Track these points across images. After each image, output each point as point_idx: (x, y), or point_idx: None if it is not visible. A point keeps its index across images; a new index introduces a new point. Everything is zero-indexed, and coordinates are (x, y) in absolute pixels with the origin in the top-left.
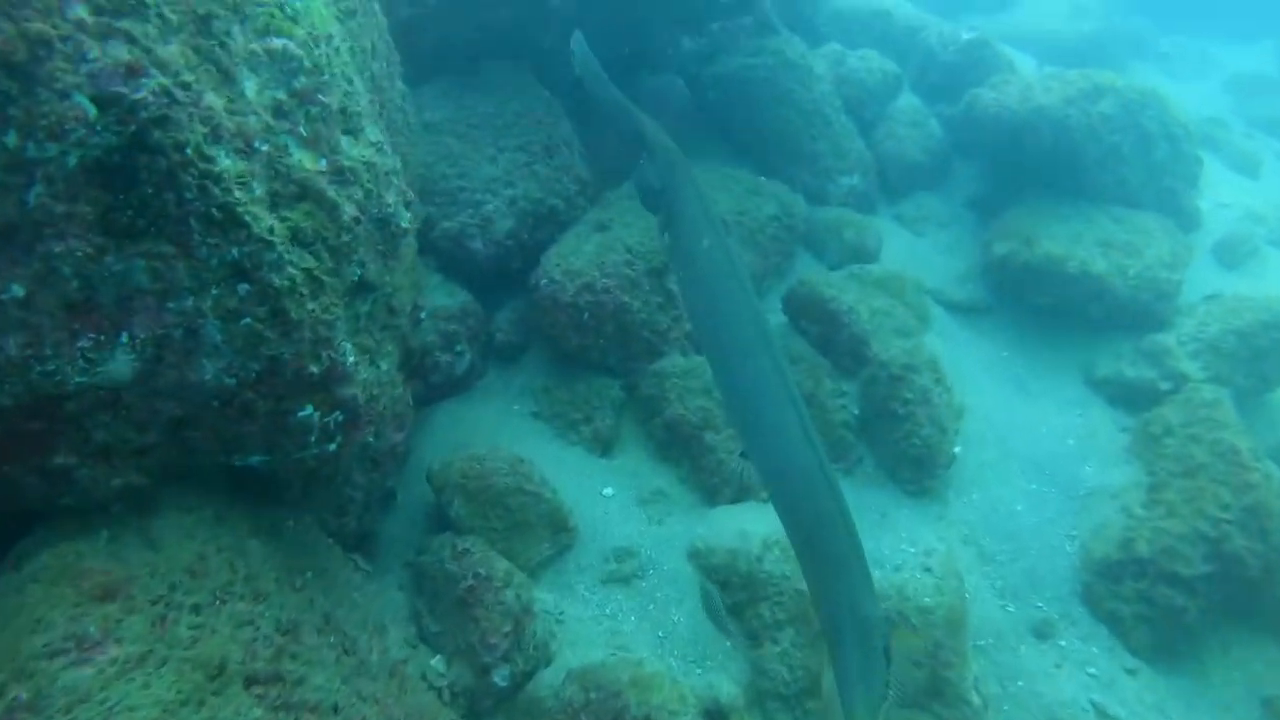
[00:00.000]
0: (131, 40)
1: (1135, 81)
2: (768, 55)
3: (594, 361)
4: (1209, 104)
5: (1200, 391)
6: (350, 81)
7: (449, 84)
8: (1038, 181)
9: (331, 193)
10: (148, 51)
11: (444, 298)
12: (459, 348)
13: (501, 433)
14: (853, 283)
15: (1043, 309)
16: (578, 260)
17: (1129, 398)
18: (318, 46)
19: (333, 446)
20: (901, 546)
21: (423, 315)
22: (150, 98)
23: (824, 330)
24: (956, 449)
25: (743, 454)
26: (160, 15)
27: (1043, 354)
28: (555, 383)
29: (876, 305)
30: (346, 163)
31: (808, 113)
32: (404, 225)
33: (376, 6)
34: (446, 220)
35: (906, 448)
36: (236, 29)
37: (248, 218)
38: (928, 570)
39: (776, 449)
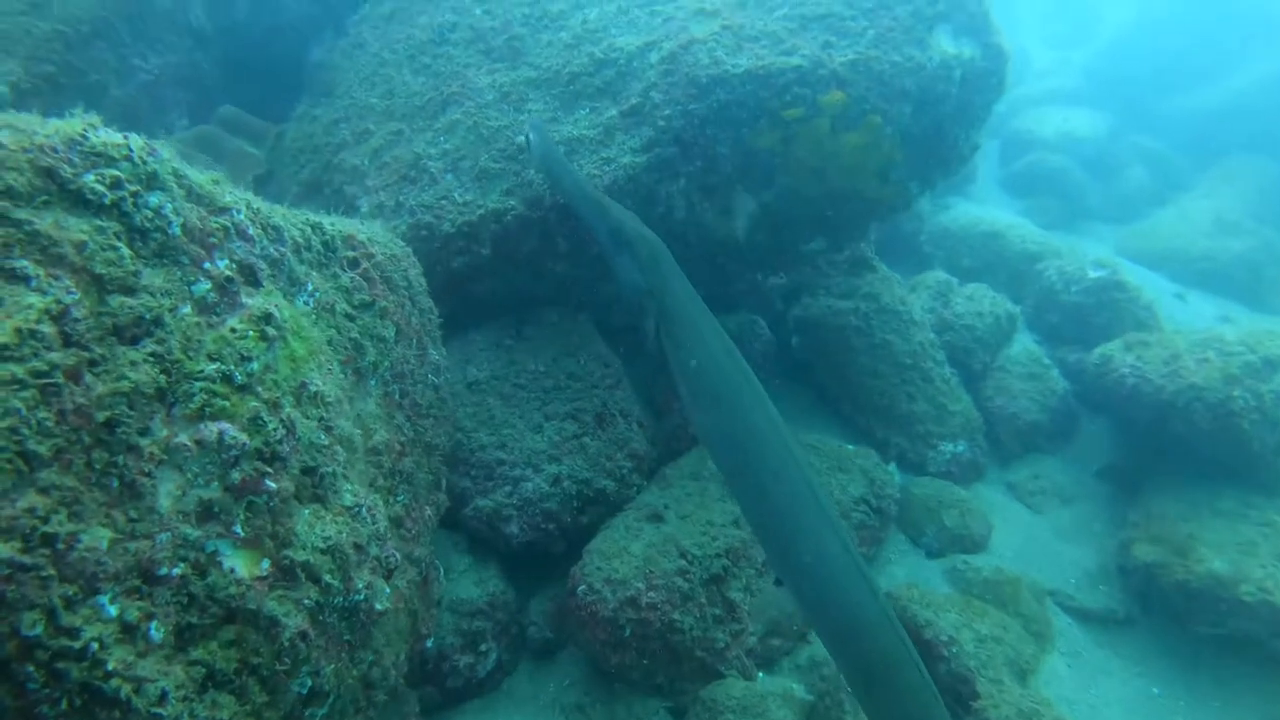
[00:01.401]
0: None
1: None
2: (861, 299)
3: (637, 681)
4: None
5: None
6: (328, 429)
7: (499, 333)
8: (1190, 460)
9: (271, 606)
10: None
11: (471, 587)
12: (484, 647)
13: None
14: (955, 596)
15: (1206, 637)
16: (623, 566)
17: None
18: (278, 411)
19: None
20: None
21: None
22: None
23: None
24: None
25: (778, 581)
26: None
27: (1211, 697)
28: (592, 700)
29: (984, 630)
30: (301, 555)
31: (905, 367)
32: (380, 608)
33: (414, 273)
34: (481, 497)
35: None
36: (159, 420)
37: (124, 692)
38: None
39: (818, 578)
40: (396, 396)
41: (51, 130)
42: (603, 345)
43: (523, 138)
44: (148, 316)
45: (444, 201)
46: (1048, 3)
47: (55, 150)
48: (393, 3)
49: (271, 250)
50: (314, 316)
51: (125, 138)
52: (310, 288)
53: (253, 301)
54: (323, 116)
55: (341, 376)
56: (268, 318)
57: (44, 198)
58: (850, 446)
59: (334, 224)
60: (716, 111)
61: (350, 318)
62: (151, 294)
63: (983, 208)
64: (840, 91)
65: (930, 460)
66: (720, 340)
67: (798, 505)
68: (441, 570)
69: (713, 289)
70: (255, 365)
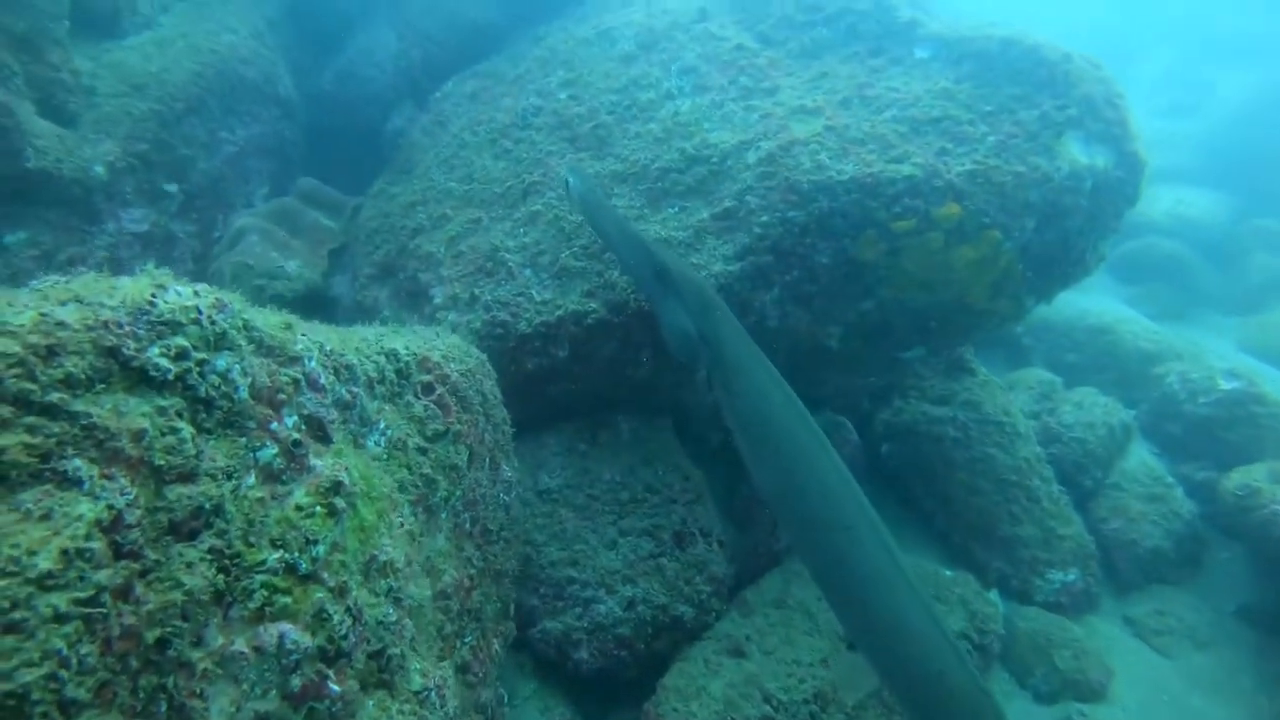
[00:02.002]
0: None
1: None
2: (959, 406)
3: None
4: None
5: None
6: (396, 601)
7: (574, 437)
8: None
9: None
10: None
11: (536, 715)
12: None
13: None
14: None
15: None
16: (701, 710)
17: None
18: (344, 597)
19: None
20: None
21: None
22: None
23: None
24: None
25: (851, 646)
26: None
27: None
28: None
29: None
30: None
31: (1008, 484)
32: None
33: (489, 385)
34: (550, 619)
35: None
36: (214, 626)
37: None
38: None
39: (899, 644)
40: (467, 526)
41: (118, 300)
42: (683, 456)
43: (563, 179)
44: (207, 506)
45: (521, 299)
46: (1155, 70)
47: (120, 325)
48: (476, 82)
49: (344, 393)
50: (385, 458)
51: (196, 294)
52: (382, 425)
53: (321, 464)
54: (400, 196)
55: (412, 519)
56: (336, 487)
57: (104, 382)
58: (948, 572)
59: (409, 347)
60: (818, 220)
61: (423, 451)
62: (213, 477)
63: (1088, 296)
64: (956, 205)
65: (1037, 589)
66: (780, 389)
67: (873, 563)
68: (505, 697)
69: (799, 389)
70: (321, 549)
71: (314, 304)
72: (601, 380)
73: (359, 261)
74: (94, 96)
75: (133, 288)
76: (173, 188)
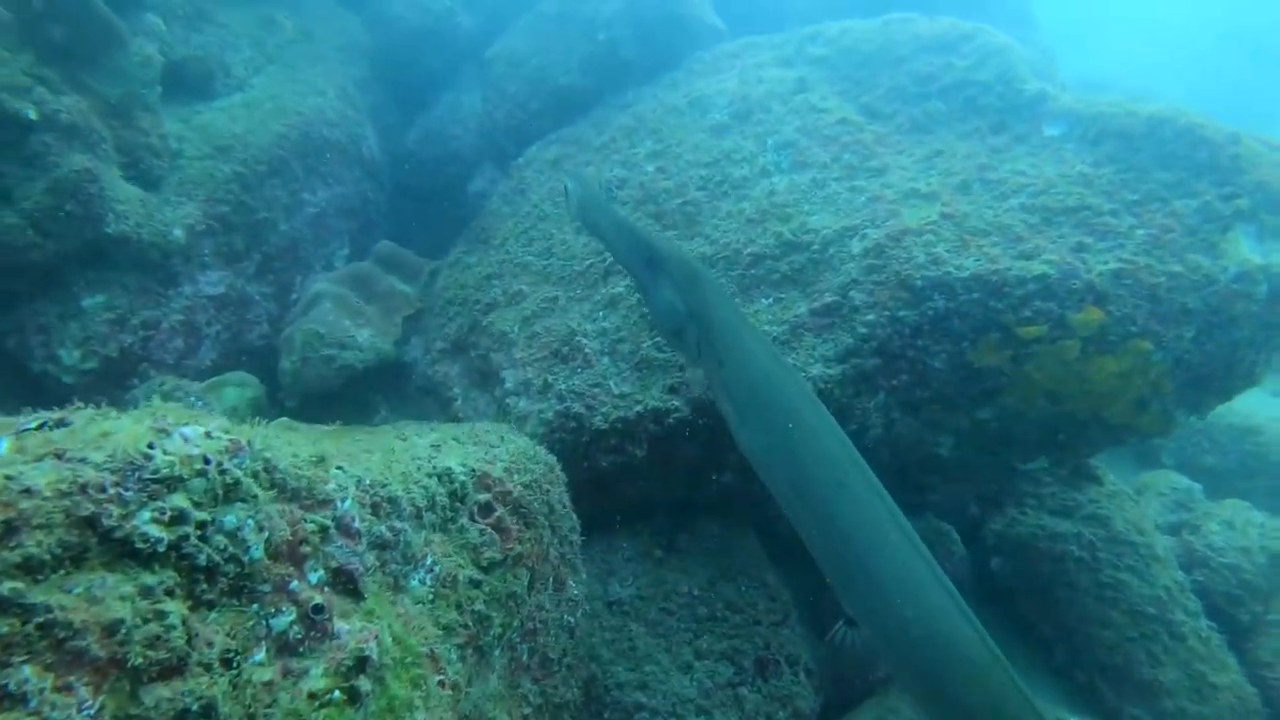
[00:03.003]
0: None
1: None
2: (1083, 521)
3: None
4: None
5: None
6: None
7: (649, 541)
8: None
9: None
10: None
11: None
12: None
13: None
14: None
15: None
16: None
17: None
18: None
19: None
20: None
21: None
22: None
23: None
24: None
25: (849, 620)
26: None
27: None
28: None
29: None
30: None
31: (1145, 617)
32: None
33: (557, 493)
34: None
35: None
36: None
37: None
38: None
39: (904, 610)
40: (524, 658)
41: (107, 454)
42: (770, 571)
43: (563, 186)
44: (194, 708)
45: (597, 390)
46: None
47: (103, 489)
48: (559, 148)
49: (384, 532)
50: (431, 600)
51: (207, 436)
52: (429, 561)
53: (347, 629)
54: (476, 267)
55: (459, 665)
56: (361, 664)
57: (76, 561)
58: (1073, 719)
59: (465, 463)
60: (933, 322)
61: (476, 584)
62: (206, 666)
63: None
64: (1097, 310)
65: None
66: (768, 351)
67: (872, 524)
68: None
69: (899, 495)
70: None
71: (384, 373)
72: (681, 483)
73: (432, 333)
74: (180, 159)
75: (128, 434)
76: (252, 250)
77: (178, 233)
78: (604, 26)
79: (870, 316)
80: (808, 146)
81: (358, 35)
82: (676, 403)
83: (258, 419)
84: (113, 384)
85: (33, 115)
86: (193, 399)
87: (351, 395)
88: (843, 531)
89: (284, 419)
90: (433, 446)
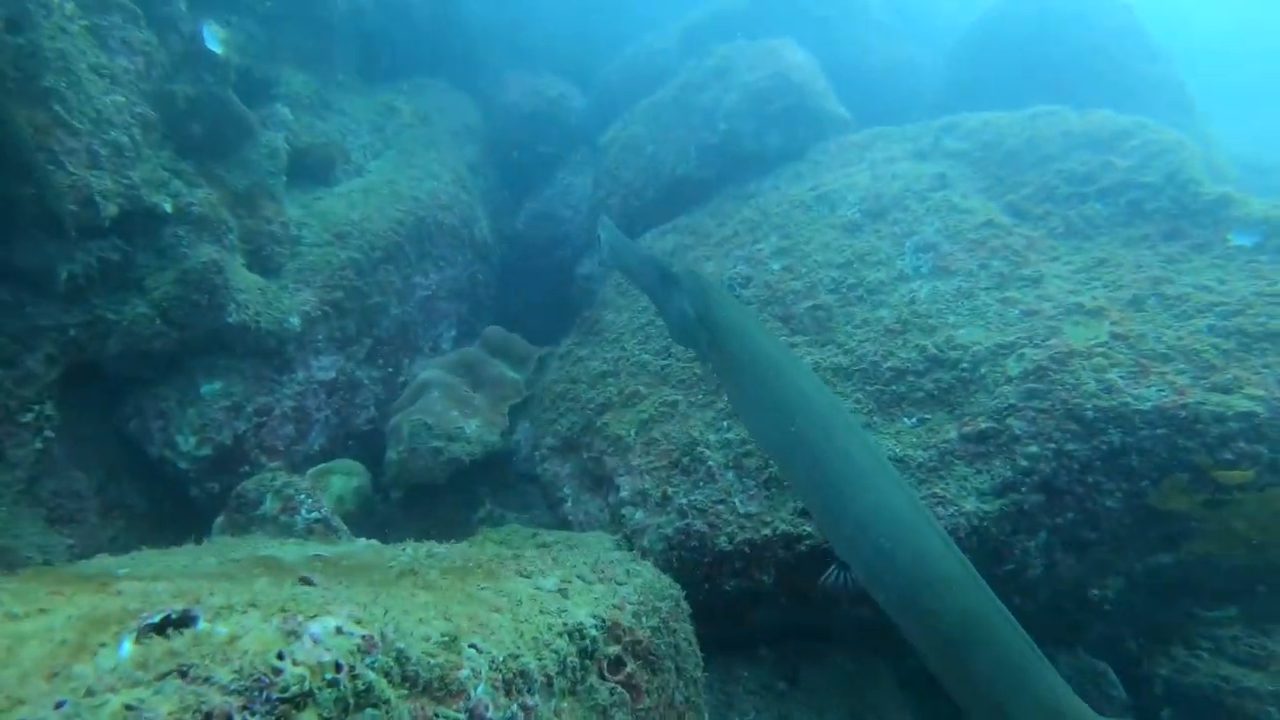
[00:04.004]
0: None
1: None
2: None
3: None
4: None
5: None
6: None
7: (772, 672)
8: None
9: None
10: None
11: None
12: None
13: None
14: None
15: None
16: None
17: None
18: None
19: None
20: None
21: None
22: None
23: None
24: None
25: (841, 564)
26: None
27: None
28: None
29: None
30: None
31: None
32: None
33: (683, 630)
34: None
35: None
36: None
37: None
38: None
39: (880, 533)
40: None
41: (233, 672)
42: (905, 715)
43: (596, 236)
44: None
45: (721, 508)
46: None
47: (229, 715)
48: (676, 237)
49: (516, 712)
50: None
51: (338, 632)
52: None
53: None
54: (589, 362)
55: None
56: None
57: None
58: None
59: (596, 612)
60: (1106, 458)
61: None
62: None
63: None
64: None
65: None
66: (769, 339)
67: (858, 474)
68: None
69: (1050, 633)
70: None
71: (489, 463)
72: (812, 612)
73: (541, 428)
74: (299, 245)
75: (257, 641)
76: (363, 335)
77: (294, 320)
78: (725, 117)
79: (1033, 448)
80: (950, 251)
81: (472, 118)
82: (809, 528)
83: (385, 592)
84: (225, 471)
85: (168, 208)
86: (302, 496)
87: (456, 486)
88: (833, 484)
89: (406, 552)
90: (560, 592)
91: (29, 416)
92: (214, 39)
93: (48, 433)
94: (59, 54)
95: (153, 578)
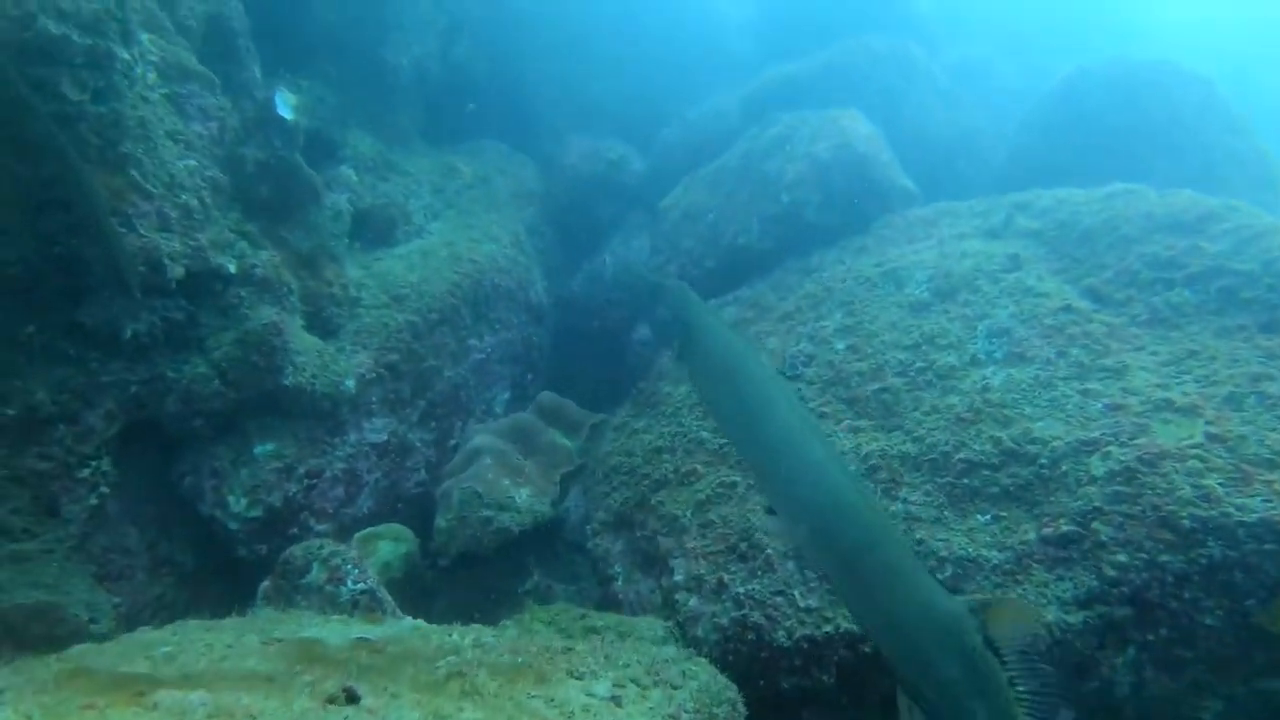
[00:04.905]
0: None
1: None
2: None
3: None
4: None
5: None
6: None
7: None
8: None
9: None
10: None
11: None
12: None
13: None
14: None
15: None
16: None
17: None
18: None
19: None
20: None
21: None
22: None
23: None
24: None
25: (769, 510)
26: None
27: None
28: None
29: None
30: None
31: None
32: None
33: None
34: None
35: None
36: None
37: None
38: None
39: (792, 469)
40: None
41: None
42: None
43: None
44: None
45: (780, 599)
46: None
47: None
48: (736, 310)
49: None
50: None
51: None
52: None
53: None
54: (644, 435)
55: None
56: None
57: None
58: None
59: None
60: (1205, 572)
61: None
62: None
63: None
64: None
65: None
66: (735, 339)
67: (789, 440)
68: None
69: None
70: None
71: (539, 533)
72: (874, 715)
73: (593, 501)
74: (358, 307)
75: None
76: (417, 398)
77: (350, 383)
78: (788, 188)
79: (1121, 557)
80: (1026, 336)
81: (532, 179)
82: None
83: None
84: (274, 533)
85: (233, 269)
86: (349, 566)
87: (504, 555)
88: (768, 447)
89: (453, 638)
90: (613, 699)
91: (86, 472)
92: (285, 105)
93: (103, 488)
94: (139, 122)
95: (191, 680)
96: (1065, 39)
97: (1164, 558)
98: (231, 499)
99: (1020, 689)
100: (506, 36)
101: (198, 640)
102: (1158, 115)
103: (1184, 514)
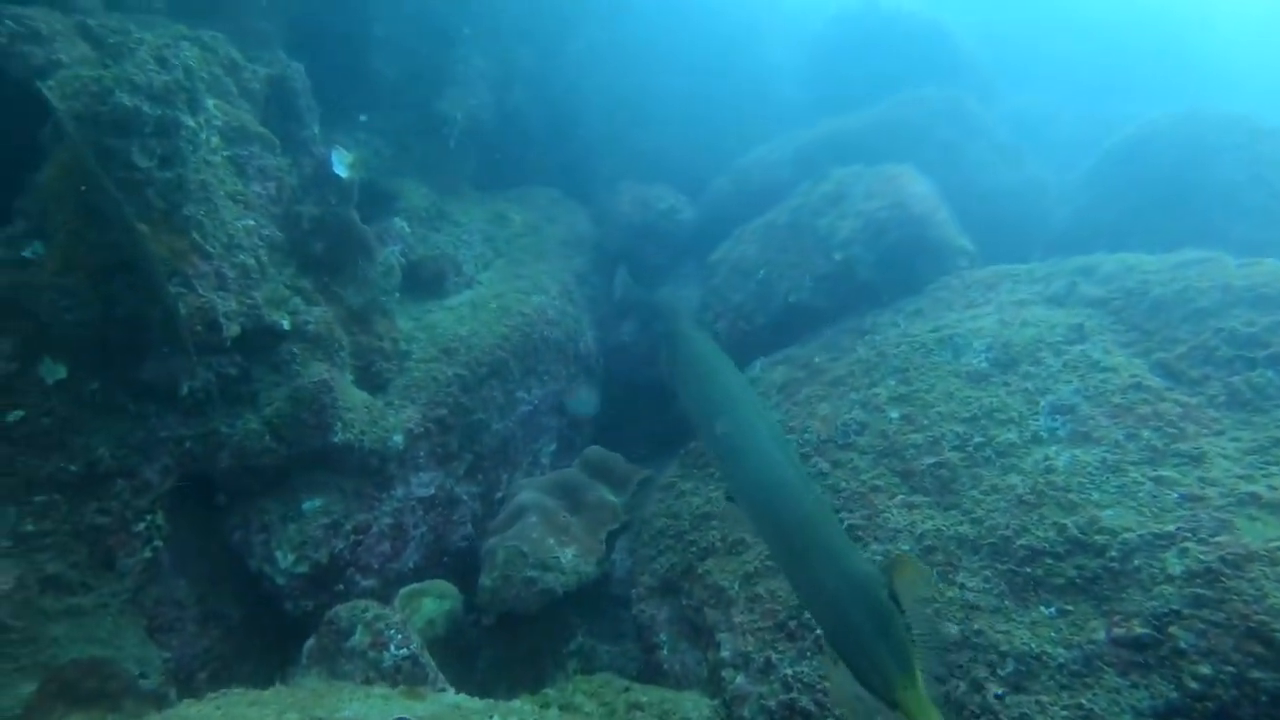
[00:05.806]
0: None
1: None
2: None
3: None
4: None
5: None
6: None
7: None
8: None
9: None
10: None
11: None
12: None
13: None
14: None
15: None
16: None
17: None
18: None
19: None
20: None
21: None
22: None
23: None
24: None
25: (729, 497)
26: None
27: None
28: None
29: None
30: None
31: None
32: None
33: None
34: None
35: None
36: None
37: None
38: None
39: (745, 461)
40: None
41: None
42: None
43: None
44: None
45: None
46: None
47: None
48: (786, 370)
49: None
50: None
51: None
52: None
53: None
54: (692, 499)
55: None
56: None
57: None
58: None
59: None
60: None
61: None
62: None
63: None
64: None
65: None
66: (714, 351)
67: (755, 448)
68: None
69: None
70: None
71: (584, 592)
72: None
73: (639, 564)
74: (408, 360)
75: None
76: (464, 451)
77: (398, 438)
78: (840, 246)
79: (1205, 669)
80: (1091, 415)
81: (583, 226)
82: None
83: None
84: (320, 588)
85: (286, 325)
86: (392, 631)
87: (549, 614)
88: (734, 451)
89: None
90: None
91: (141, 526)
92: (341, 164)
93: (157, 542)
94: (201, 185)
95: None
96: (1127, 78)
97: (1255, 674)
98: (279, 554)
99: (915, 631)
100: (560, 84)
101: (239, 714)
102: (1235, 174)
103: (1277, 626)
